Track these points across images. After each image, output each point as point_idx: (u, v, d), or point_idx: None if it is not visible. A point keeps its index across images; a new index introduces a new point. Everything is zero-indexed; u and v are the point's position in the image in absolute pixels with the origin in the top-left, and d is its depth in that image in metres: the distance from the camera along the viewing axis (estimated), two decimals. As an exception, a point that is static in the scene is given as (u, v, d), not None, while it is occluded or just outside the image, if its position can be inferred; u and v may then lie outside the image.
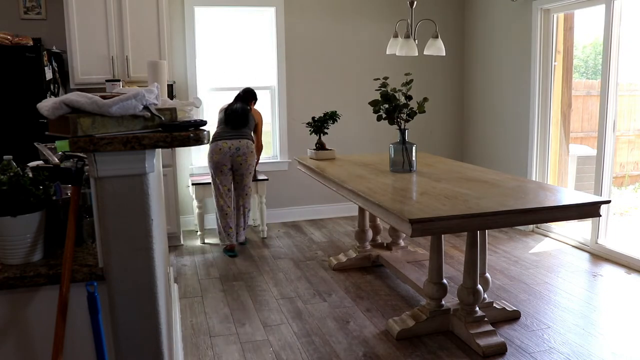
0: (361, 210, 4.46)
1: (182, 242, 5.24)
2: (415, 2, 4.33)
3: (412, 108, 3.76)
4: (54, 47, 4.76)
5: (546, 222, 3.41)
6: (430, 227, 2.68)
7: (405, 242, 4.70)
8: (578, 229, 5.02)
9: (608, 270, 4.32)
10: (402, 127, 3.81)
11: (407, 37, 4.25)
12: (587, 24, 5.31)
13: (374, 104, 3.81)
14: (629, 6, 4.41)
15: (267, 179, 5.38)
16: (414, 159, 3.85)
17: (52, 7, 4.95)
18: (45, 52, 4.45)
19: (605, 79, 4.46)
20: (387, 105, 3.75)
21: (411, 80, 3.74)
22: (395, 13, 5.55)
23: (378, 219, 4.63)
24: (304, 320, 3.55)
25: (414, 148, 3.85)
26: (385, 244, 4.67)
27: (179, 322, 3.45)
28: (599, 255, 4.60)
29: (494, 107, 5.86)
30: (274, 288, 4.10)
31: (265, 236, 5.41)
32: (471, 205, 2.85)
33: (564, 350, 3.08)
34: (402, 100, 3.75)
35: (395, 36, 4.43)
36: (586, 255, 4.66)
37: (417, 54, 4.33)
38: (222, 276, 4.37)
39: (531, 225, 5.31)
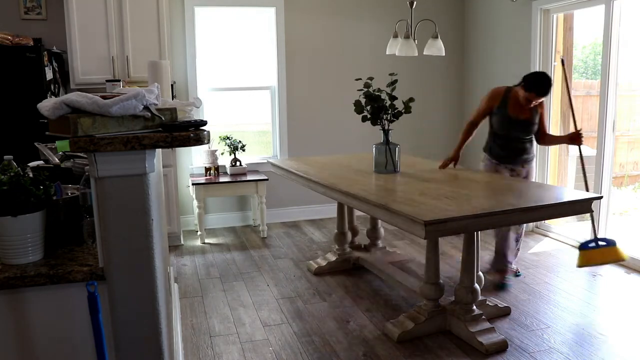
0: (340, 213, 4.46)
1: (182, 242, 5.24)
2: (415, 2, 4.33)
3: (398, 108, 3.75)
4: (54, 47, 4.76)
5: (549, 219, 3.47)
6: (442, 229, 2.68)
7: (384, 243, 4.70)
8: (577, 229, 5.02)
9: (607, 270, 4.32)
10: (387, 127, 3.80)
11: (407, 37, 4.25)
12: (587, 24, 5.31)
13: (357, 104, 3.78)
14: (629, 6, 4.42)
15: (267, 179, 5.38)
16: (397, 159, 3.84)
17: (52, 7, 4.96)
18: (45, 52, 4.45)
19: (604, 79, 4.46)
20: (371, 106, 3.73)
21: (395, 81, 3.73)
22: (395, 13, 5.55)
23: (355, 221, 4.64)
24: (304, 320, 3.55)
25: (397, 149, 3.83)
26: (362, 246, 4.65)
27: (179, 322, 3.45)
28: (599, 255, 4.59)
29: (494, 107, 5.85)
30: (274, 288, 4.10)
31: (265, 236, 5.41)
32: (475, 205, 2.86)
33: (563, 350, 3.09)
34: (387, 100, 3.73)
35: (395, 36, 4.43)
36: (586, 255, 4.66)
37: (416, 54, 4.33)
38: (222, 276, 4.37)
39: (531, 225, 5.32)
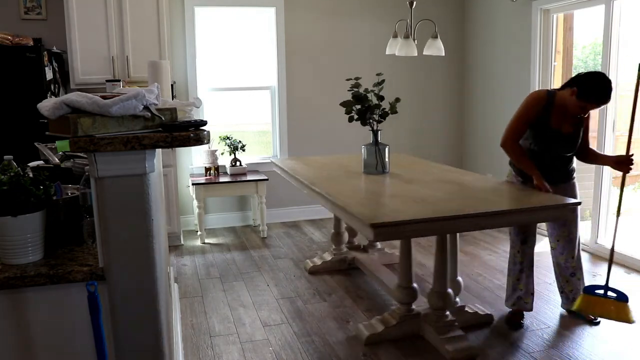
0: None
1: (182, 242, 5.24)
2: (415, 2, 4.33)
3: (385, 109, 3.70)
4: (54, 47, 4.76)
5: (516, 224, 3.26)
6: (395, 231, 2.57)
7: (382, 245, 4.68)
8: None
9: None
10: (375, 128, 3.77)
11: (407, 37, 4.25)
12: (587, 24, 5.31)
13: (346, 104, 3.76)
14: (629, 6, 4.42)
15: (267, 179, 5.38)
16: (387, 160, 3.79)
17: (52, 7, 4.96)
18: (45, 52, 4.45)
19: (605, 79, 4.45)
20: (358, 106, 3.70)
21: (382, 81, 3.68)
22: (395, 13, 5.55)
23: None
24: (304, 320, 3.55)
25: (386, 149, 3.78)
26: (362, 246, 4.62)
27: (179, 322, 3.45)
28: (599, 255, 4.60)
29: (494, 107, 5.86)
30: (274, 288, 4.10)
31: (265, 236, 5.41)
32: (439, 208, 2.76)
33: (564, 350, 3.09)
34: (374, 101, 3.69)
35: (395, 36, 4.43)
36: (586, 255, 4.66)
37: (416, 54, 4.33)
38: (222, 276, 4.37)
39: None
